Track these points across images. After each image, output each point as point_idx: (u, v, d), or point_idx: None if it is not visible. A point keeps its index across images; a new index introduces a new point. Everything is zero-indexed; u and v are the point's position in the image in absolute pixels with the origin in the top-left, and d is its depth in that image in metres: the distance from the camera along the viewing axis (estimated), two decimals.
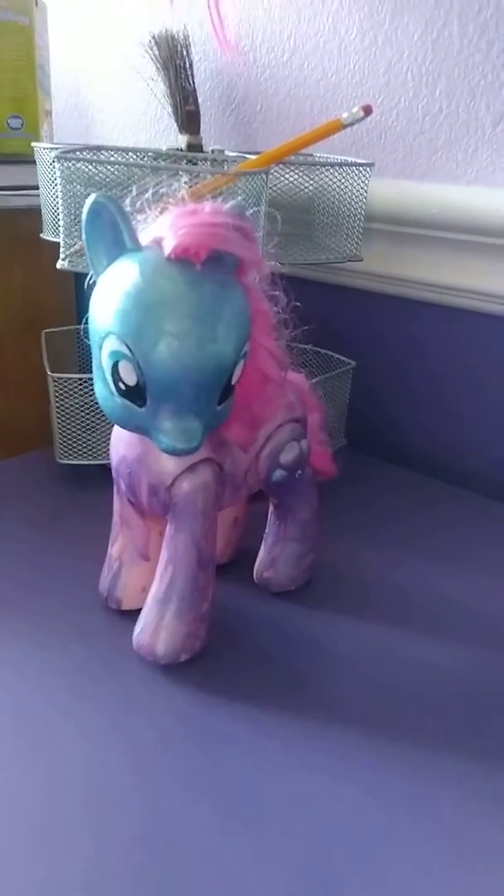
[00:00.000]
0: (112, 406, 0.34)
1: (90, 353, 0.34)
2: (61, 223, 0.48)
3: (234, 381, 0.34)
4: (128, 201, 0.35)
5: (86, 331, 0.35)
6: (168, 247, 0.31)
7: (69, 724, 0.36)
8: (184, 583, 0.38)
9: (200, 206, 0.32)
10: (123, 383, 0.32)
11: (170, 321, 0.30)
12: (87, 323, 0.35)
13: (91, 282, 0.35)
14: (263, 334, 0.37)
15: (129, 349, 0.31)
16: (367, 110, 0.48)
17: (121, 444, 0.38)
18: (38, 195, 0.55)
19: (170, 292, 0.31)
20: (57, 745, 0.34)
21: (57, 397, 0.55)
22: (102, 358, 0.32)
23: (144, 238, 0.33)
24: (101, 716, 0.36)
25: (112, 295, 0.31)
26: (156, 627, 0.38)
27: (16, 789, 0.32)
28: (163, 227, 0.32)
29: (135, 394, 0.32)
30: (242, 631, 0.43)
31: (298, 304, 0.38)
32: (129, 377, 0.32)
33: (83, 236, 0.33)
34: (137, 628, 0.39)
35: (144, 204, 0.35)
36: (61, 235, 0.49)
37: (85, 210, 0.32)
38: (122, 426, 0.35)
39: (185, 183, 0.44)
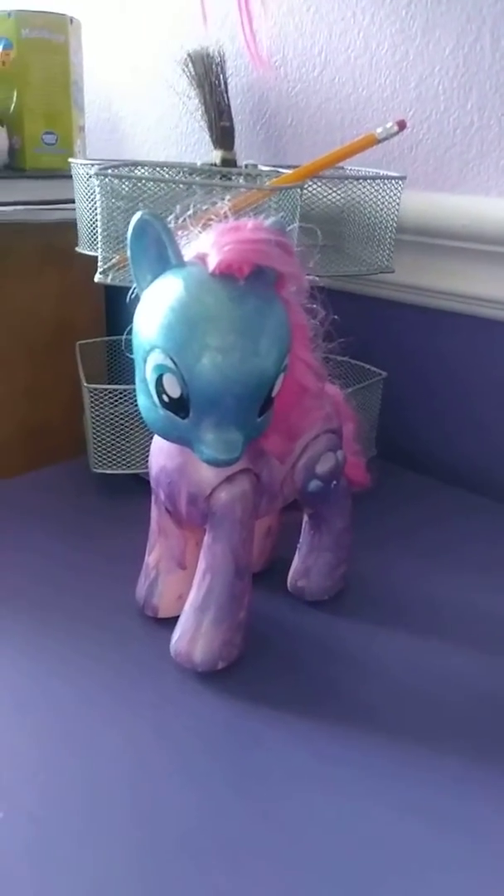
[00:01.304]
0: (155, 417, 0.34)
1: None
2: (99, 238, 0.50)
3: (274, 394, 0.35)
4: (171, 218, 0.36)
5: (127, 343, 0.36)
6: (212, 263, 0.32)
7: (110, 730, 0.36)
8: (221, 591, 0.39)
9: (242, 223, 0.33)
10: (167, 396, 0.33)
11: (214, 336, 0.31)
12: (128, 334, 0.35)
13: (133, 296, 0.36)
14: (302, 347, 0.37)
15: (174, 363, 0.32)
16: (402, 125, 0.49)
17: (161, 454, 0.39)
18: (72, 209, 0.57)
19: (214, 307, 0.31)
20: (98, 750, 0.35)
21: (92, 408, 0.56)
22: (147, 371, 0.33)
23: (188, 254, 0.34)
24: (140, 722, 0.37)
25: (157, 310, 0.32)
26: (193, 635, 0.39)
27: (60, 793, 0.33)
28: (206, 244, 0.33)
29: (178, 406, 0.33)
30: (277, 639, 0.43)
31: (336, 317, 0.39)
32: (174, 390, 0.32)
33: (129, 252, 0.34)
34: (175, 636, 0.40)
35: (187, 220, 0.36)
36: (99, 250, 0.50)
37: (131, 227, 0.33)
38: (164, 437, 0.36)
39: (222, 199, 0.45)
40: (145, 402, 0.35)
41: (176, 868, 0.29)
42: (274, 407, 0.36)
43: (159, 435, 0.36)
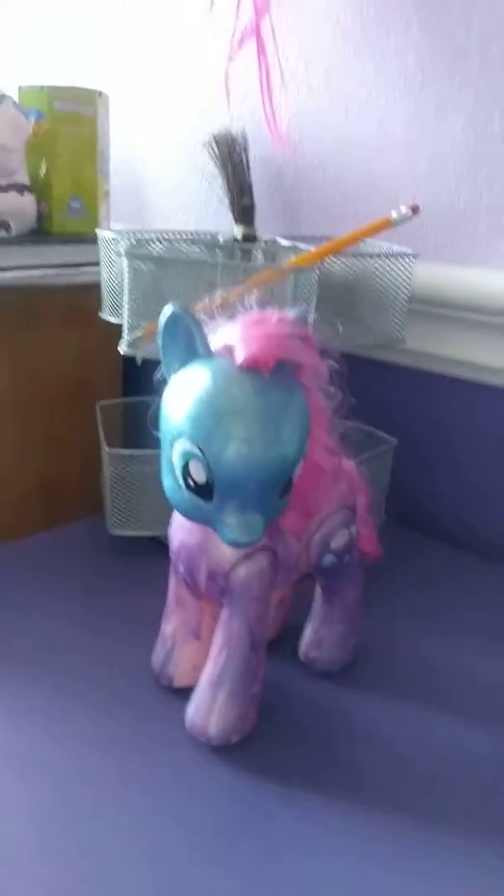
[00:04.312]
0: (180, 499, 0.36)
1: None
2: (125, 310, 0.52)
3: (294, 477, 0.36)
4: (198, 307, 0.38)
5: (153, 419, 0.37)
6: (239, 357, 0.33)
7: (121, 801, 0.37)
8: (237, 665, 0.39)
9: (267, 316, 0.35)
10: (193, 480, 0.34)
11: (240, 427, 0.33)
12: (155, 411, 0.37)
13: (160, 377, 0.38)
14: (320, 429, 0.39)
15: (201, 450, 0.33)
16: (415, 210, 0.51)
17: (181, 529, 0.40)
18: (94, 272, 0.59)
19: (240, 400, 0.33)
20: (108, 823, 0.35)
21: (112, 470, 0.57)
22: (174, 455, 0.35)
23: (214, 343, 0.35)
24: (151, 794, 0.37)
25: (186, 399, 0.34)
26: (209, 709, 0.40)
27: (68, 868, 0.33)
28: (233, 336, 0.34)
29: (203, 490, 0.34)
30: (289, 711, 0.44)
31: (354, 400, 0.40)
32: (199, 476, 0.34)
33: (159, 341, 0.36)
34: (190, 709, 0.41)
35: (212, 306, 0.38)
36: (125, 321, 0.52)
37: (162, 320, 0.35)
38: (187, 518, 0.37)
39: (245, 276, 0.47)
40: (170, 482, 0.36)
41: None
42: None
43: (183, 515, 0.37)
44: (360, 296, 0.61)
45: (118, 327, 0.56)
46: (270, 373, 0.34)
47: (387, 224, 0.51)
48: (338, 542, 0.43)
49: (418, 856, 0.34)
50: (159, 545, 0.58)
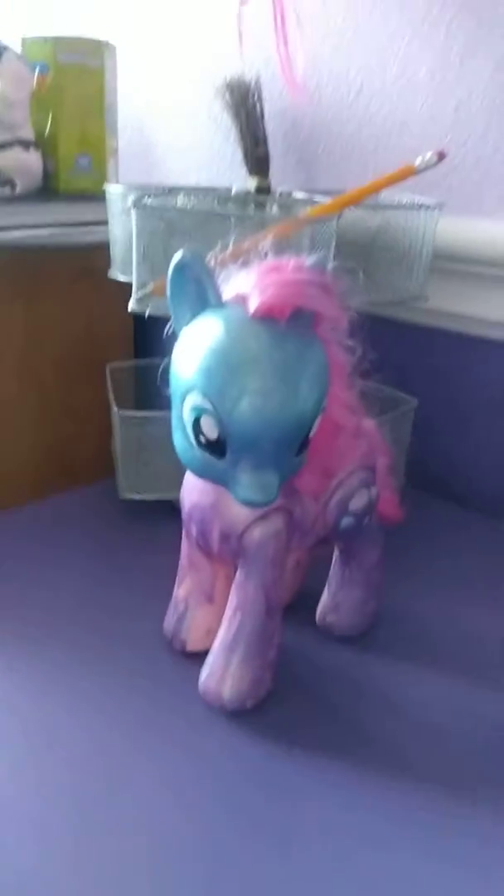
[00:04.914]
0: (191, 457, 0.34)
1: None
2: (134, 266, 0.50)
3: (311, 434, 0.34)
4: (210, 255, 0.36)
5: (163, 376, 0.35)
6: (253, 305, 0.31)
7: (133, 768, 0.36)
8: (252, 629, 0.38)
9: (283, 262, 0.33)
10: (204, 437, 0.32)
11: (254, 379, 0.31)
12: (164, 368, 0.35)
13: (170, 331, 0.36)
14: (339, 385, 0.37)
15: (213, 405, 0.31)
16: (441, 156, 0.48)
17: (194, 490, 0.39)
18: (104, 231, 0.57)
19: (254, 351, 0.31)
20: (120, 790, 0.35)
21: (122, 432, 0.56)
22: (184, 411, 0.33)
23: (227, 292, 0.33)
24: (165, 761, 0.36)
25: (197, 351, 0.32)
26: (222, 674, 0.39)
27: (79, 837, 0.32)
28: (247, 284, 0.32)
29: (215, 447, 0.33)
30: (306, 677, 0.42)
31: (376, 354, 0.38)
32: (211, 432, 0.32)
33: (168, 290, 0.34)
34: (204, 673, 0.40)
35: (225, 255, 0.36)
36: (134, 277, 0.50)
37: (171, 267, 0.33)
38: (199, 476, 0.36)
39: (259, 229, 0.45)
40: (181, 440, 0.34)
41: None
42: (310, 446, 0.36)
43: (194, 474, 0.36)
44: (380, 250, 0.59)
45: (129, 287, 0.54)
46: (287, 322, 0.32)
47: (410, 171, 0.49)
48: (357, 503, 0.41)
49: (444, 833, 0.33)
50: (172, 509, 0.57)
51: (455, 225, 0.60)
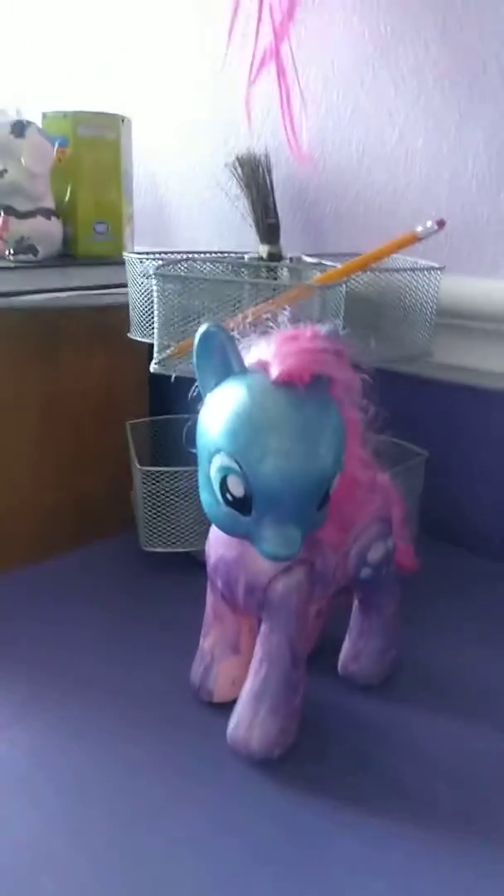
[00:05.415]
0: (217, 513, 0.36)
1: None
2: (156, 330, 0.52)
3: (331, 491, 0.36)
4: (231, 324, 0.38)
5: (188, 436, 0.38)
6: (274, 372, 0.34)
7: (165, 818, 0.37)
8: (277, 680, 0.39)
9: (301, 332, 0.35)
10: (231, 495, 0.34)
11: (277, 440, 0.33)
12: (188, 426, 0.37)
13: (195, 393, 0.38)
14: (354, 442, 0.39)
15: (239, 465, 0.33)
16: (441, 224, 0.51)
17: (219, 544, 0.41)
18: (121, 293, 0.60)
19: (276, 414, 0.33)
20: (154, 840, 0.35)
21: (144, 487, 0.58)
22: (211, 471, 0.35)
23: (248, 359, 0.36)
24: (196, 810, 0.37)
25: (223, 415, 0.34)
26: (250, 723, 0.40)
27: (115, 886, 0.33)
28: (267, 352, 0.35)
29: (241, 505, 0.35)
30: (330, 725, 0.43)
31: (387, 409, 0.40)
32: (238, 490, 0.34)
33: (194, 359, 0.36)
34: (232, 723, 0.41)
35: (244, 324, 0.39)
36: (155, 340, 0.53)
37: (197, 337, 0.35)
38: (226, 532, 0.38)
39: (272, 294, 0.48)
40: (208, 498, 0.36)
41: None
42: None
43: (221, 530, 0.38)
44: (387, 310, 0.62)
45: (144, 346, 0.57)
46: (305, 387, 0.34)
47: (413, 239, 0.52)
48: (374, 554, 0.43)
49: (461, 874, 0.34)
50: (191, 560, 0.58)
51: (455, 283, 0.63)
